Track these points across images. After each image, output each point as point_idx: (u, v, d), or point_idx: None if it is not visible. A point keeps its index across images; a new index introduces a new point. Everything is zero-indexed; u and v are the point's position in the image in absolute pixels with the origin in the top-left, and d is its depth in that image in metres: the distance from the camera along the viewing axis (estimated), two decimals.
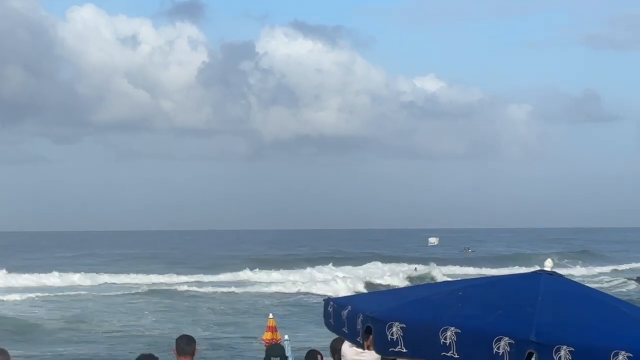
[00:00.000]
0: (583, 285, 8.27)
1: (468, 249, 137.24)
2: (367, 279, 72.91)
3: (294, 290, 65.70)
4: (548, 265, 8.06)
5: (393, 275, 78.30)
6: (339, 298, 8.60)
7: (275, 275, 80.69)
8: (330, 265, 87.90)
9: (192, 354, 9.99)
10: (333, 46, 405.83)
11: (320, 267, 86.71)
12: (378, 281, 71.67)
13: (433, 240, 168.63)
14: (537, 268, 8.19)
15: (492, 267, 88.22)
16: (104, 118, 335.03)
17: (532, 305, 7.25)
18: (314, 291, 64.18)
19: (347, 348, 11.23)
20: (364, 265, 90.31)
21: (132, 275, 79.93)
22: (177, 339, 10.12)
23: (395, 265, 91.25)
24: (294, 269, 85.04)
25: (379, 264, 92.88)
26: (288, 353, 11.89)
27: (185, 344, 9.98)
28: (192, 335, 10.47)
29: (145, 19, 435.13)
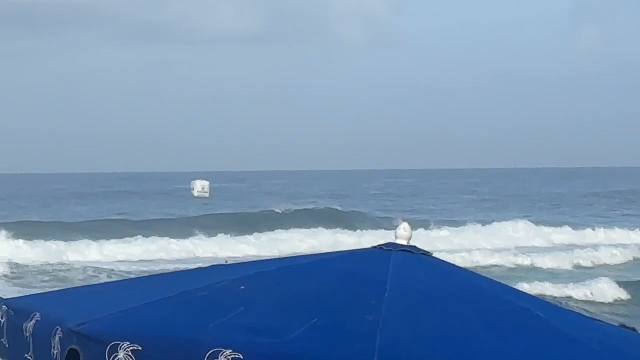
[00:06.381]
0: (461, 268, 4.99)
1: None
2: None
3: None
4: (403, 234, 4.72)
5: None
6: (17, 299, 5.13)
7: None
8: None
9: None
10: None
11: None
12: None
13: (198, 187, 59.74)
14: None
15: None
16: None
17: (374, 308, 4.25)
18: None
19: None
20: None
21: None
22: None
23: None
24: None
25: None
26: None
27: None
28: None
29: None
